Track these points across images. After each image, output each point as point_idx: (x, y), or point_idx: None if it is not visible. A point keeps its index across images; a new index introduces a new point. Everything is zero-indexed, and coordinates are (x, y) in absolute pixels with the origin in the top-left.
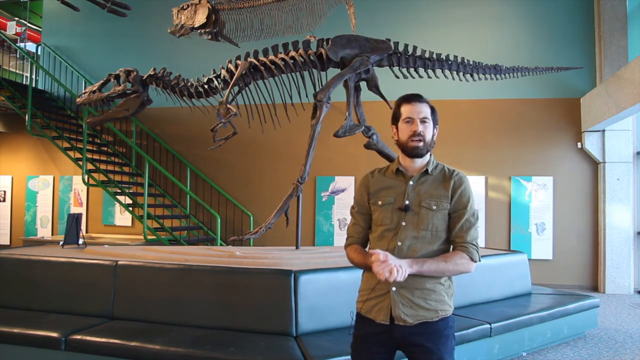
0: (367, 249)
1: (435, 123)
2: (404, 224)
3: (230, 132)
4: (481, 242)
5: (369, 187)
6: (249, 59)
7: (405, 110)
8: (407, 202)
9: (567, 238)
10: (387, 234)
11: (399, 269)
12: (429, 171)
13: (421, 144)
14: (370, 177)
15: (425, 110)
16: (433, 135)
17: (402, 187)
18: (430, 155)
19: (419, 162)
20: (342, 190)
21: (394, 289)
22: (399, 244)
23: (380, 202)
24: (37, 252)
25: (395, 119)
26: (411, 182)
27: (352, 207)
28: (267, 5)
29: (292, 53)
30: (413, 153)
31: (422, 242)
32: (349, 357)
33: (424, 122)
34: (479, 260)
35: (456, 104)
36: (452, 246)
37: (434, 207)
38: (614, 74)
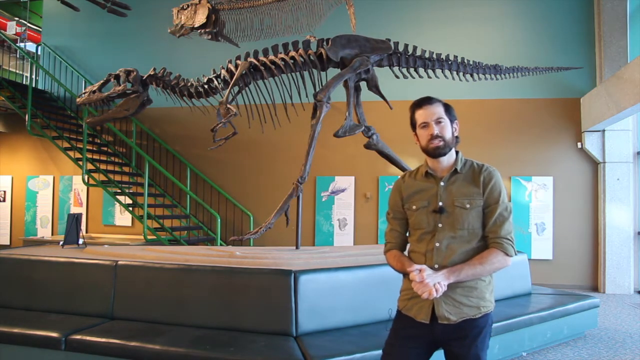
0: (406, 252)
1: (452, 119)
2: (440, 225)
3: (230, 132)
4: None
5: (401, 192)
6: (249, 59)
7: (419, 115)
8: (440, 203)
9: (567, 238)
10: (425, 237)
11: (437, 287)
12: (458, 169)
13: (441, 143)
14: (402, 182)
15: (438, 111)
16: (453, 132)
17: (433, 189)
18: (458, 152)
19: (446, 162)
20: (342, 190)
21: None
22: (437, 245)
23: (414, 207)
24: (37, 252)
25: (413, 125)
26: (442, 183)
27: (388, 213)
28: (267, 5)
29: (292, 53)
30: (436, 153)
31: (459, 241)
32: (349, 356)
33: (439, 122)
34: (515, 254)
35: (456, 104)
36: (487, 242)
37: (468, 206)
38: (614, 74)
